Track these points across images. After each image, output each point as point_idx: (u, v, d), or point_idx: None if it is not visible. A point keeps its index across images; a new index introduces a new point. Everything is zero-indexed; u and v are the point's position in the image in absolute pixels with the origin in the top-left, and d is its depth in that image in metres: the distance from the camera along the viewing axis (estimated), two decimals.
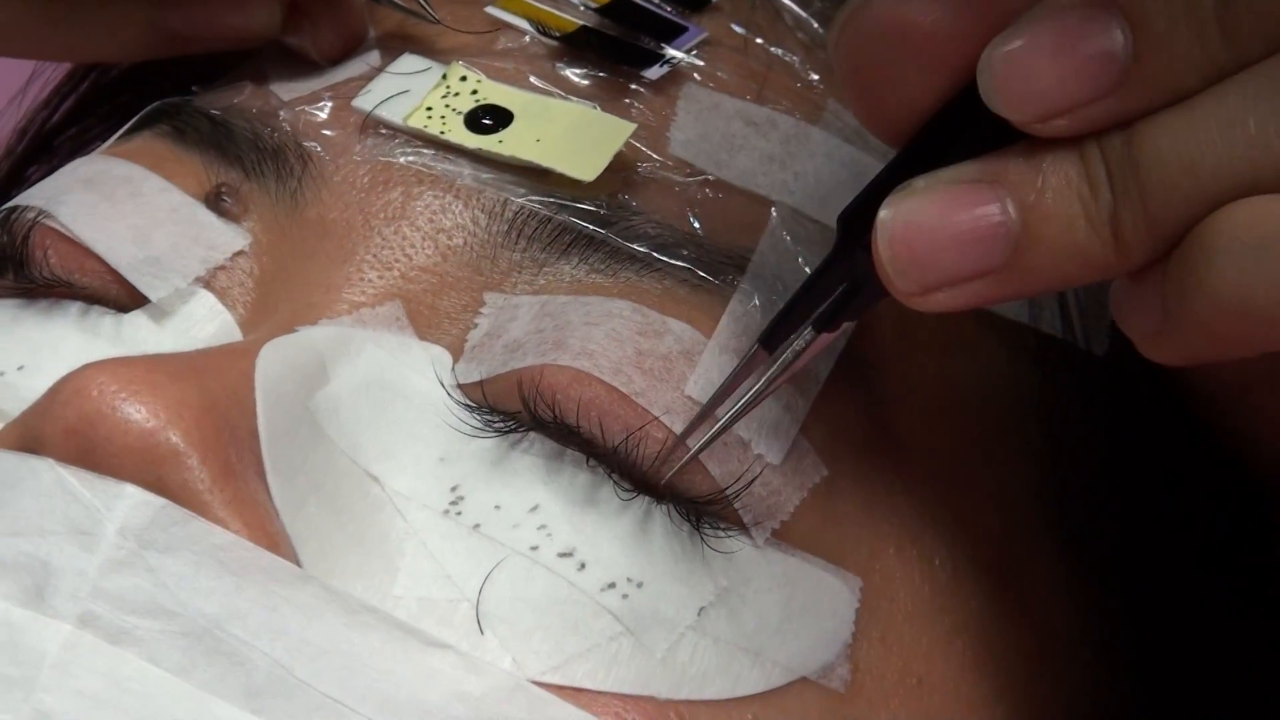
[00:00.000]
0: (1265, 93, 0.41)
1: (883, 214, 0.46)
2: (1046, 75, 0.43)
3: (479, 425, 0.53)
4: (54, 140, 0.79)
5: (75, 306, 0.59)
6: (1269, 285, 0.41)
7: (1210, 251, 0.41)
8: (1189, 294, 0.42)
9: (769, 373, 0.51)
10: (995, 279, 0.45)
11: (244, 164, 0.59)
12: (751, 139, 0.59)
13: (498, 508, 0.51)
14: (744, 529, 0.52)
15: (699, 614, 0.51)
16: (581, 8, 0.62)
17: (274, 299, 0.57)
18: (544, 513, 0.51)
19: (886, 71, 0.46)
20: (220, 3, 0.60)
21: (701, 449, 0.51)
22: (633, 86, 0.59)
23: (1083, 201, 0.43)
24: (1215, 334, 0.42)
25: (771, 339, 0.51)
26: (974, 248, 0.44)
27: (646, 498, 0.52)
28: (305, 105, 0.60)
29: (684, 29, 0.61)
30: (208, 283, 0.58)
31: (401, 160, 0.57)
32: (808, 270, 0.52)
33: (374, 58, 0.61)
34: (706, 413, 0.52)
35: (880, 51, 0.46)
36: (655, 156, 0.57)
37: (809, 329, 0.50)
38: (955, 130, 0.46)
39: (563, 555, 0.51)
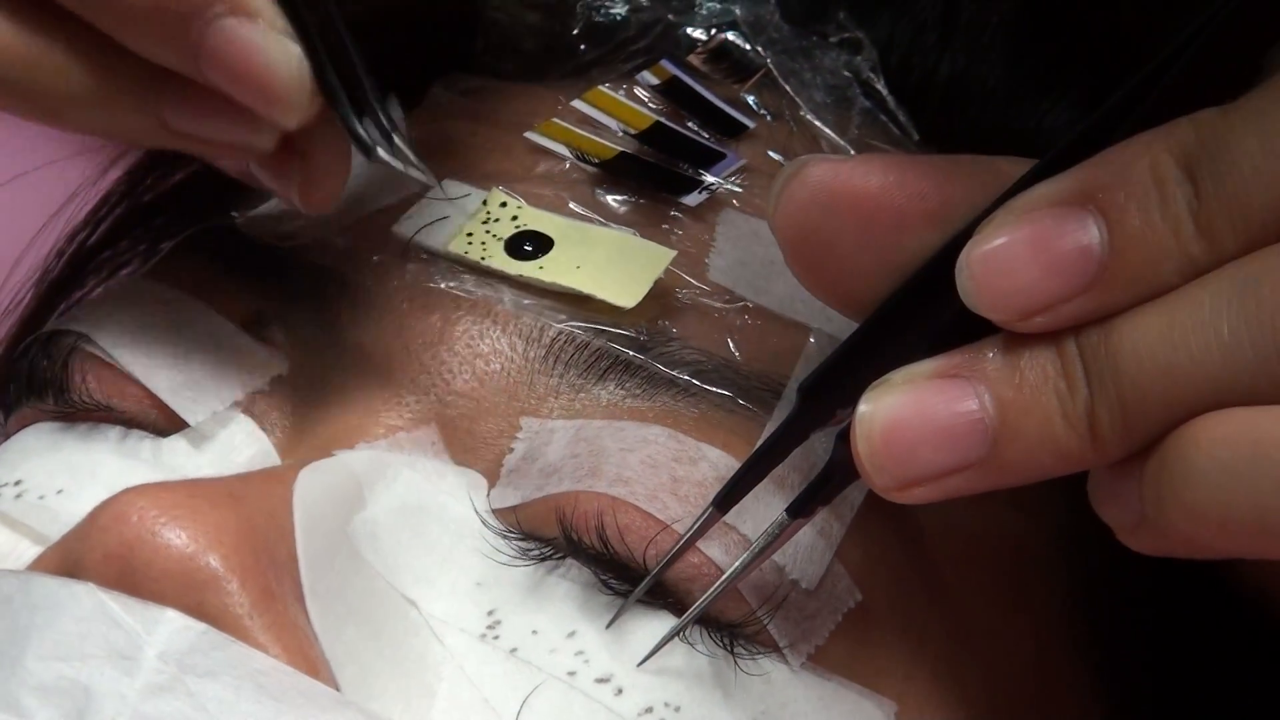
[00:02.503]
0: (1238, 298, 0.41)
1: (862, 409, 0.46)
2: (1025, 274, 0.43)
3: (514, 553, 0.53)
4: (90, 262, 0.80)
5: (114, 430, 0.59)
6: (1246, 504, 0.41)
7: (1187, 467, 0.42)
8: (1167, 504, 0.42)
9: (743, 557, 0.51)
10: (973, 473, 0.45)
11: (283, 289, 0.60)
12: None
13: (535, 632, 0.51)
14: (779, 653, 0.52)
15: None
16: (620, 134, 0.62)
17: (311, 423, 0.57)
18: (581, 639, 0.51)
19: (825, 238, 0.47)
20: (220, 110, 0.56)
21: (674, 632, 0.52)
22: (672, 213, 0.60)
23: (1060, 397, 0.44)
24: (1193, 542, 0.42)
25: (727, 501, 0.52)
26: (952, 444, 0.45)
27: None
28: (346, 231, 0.61)
29: (722, 155, 0.61)
30: (246, 407, 0.58)
31: (442, 286, 0.58)
32: None
33: (414, 183, 0.62)
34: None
35: (817, 218, 0.47)
36: (694, 283, 0.57)
37: (783, 515, 0.51)
38: (921, 309, 0.47)
39: (600, 681, 0.51)
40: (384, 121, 0.55)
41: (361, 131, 0.54)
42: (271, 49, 0.51)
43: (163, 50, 0.51)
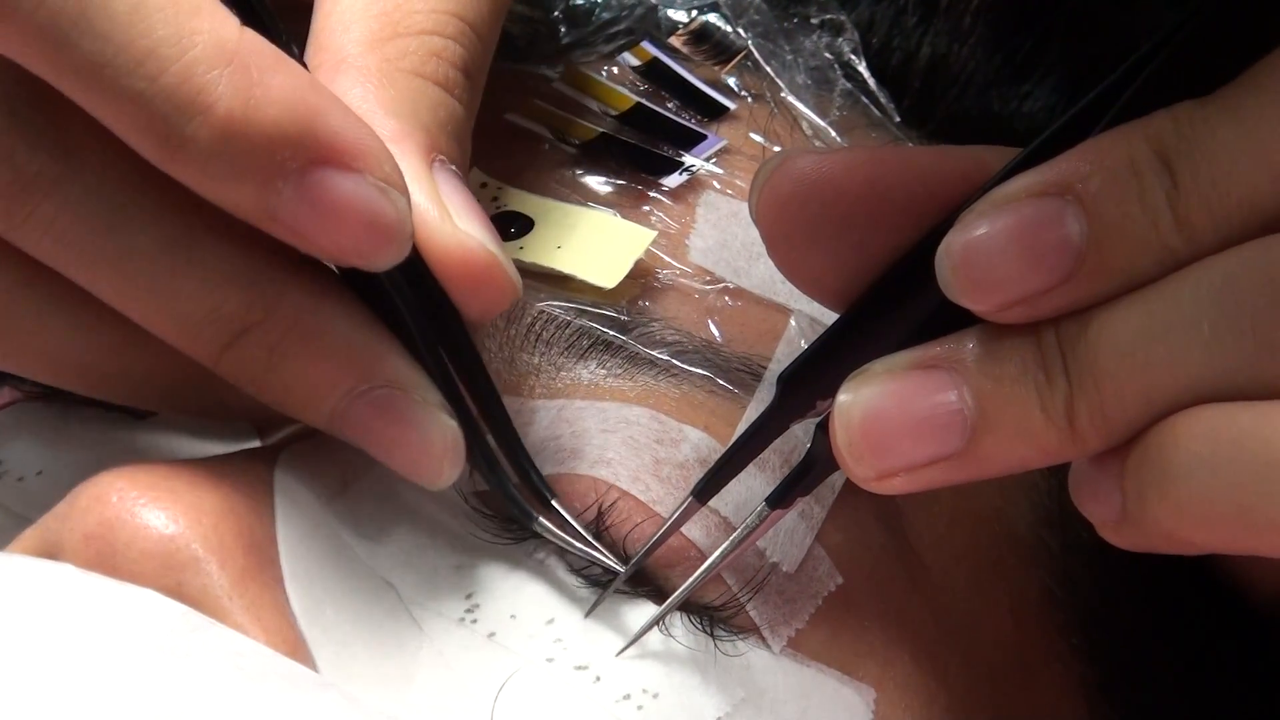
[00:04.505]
0: (1217, 294, 0.42)
1: (841, 399, 0.46)
2: (1004, 264, 0.43)
3: (494, 533, 0.53)
4: None
5: (94, 412, 0.59)
6: (1227, 500, 0.41)
7: (1167, 463, 0.42)
8: (1148, 499, 0.42)
9: (723, 547, 0.51)
10: (951, 464, 0.45)
11: None
12: None
13: (513, 617, 0.51)
14: (759, 637, 0.52)
15: None
16: (601, 115, 0.62)
17: None
18: (560, 625, 0.51)
19: (806, 231, 0.47)
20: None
21: (653, 623, 0.52)
22: (652, 194, 0.60)
23: (1038, 389, 0.44)
24: (1174, 537, 0.43)
25: (707, 491, 0.52)
26: (931, 435, 0.45)
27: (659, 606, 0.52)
28: None
29: (703, 137, 0.61)
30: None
31: None
32: None
33: None
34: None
35: (798, 211, 0.47)
36: (675, 264, 0.57)
37: (763, 505, 0.51)
38: (902, 300, 0.47)
39: (579, 668, 0.51)
40: (544, 489, 0.53)
41: (521, 500, 0.52)
42: (426, 423, 0.50)
43: (302, 414, 0.50)
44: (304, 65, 0.49)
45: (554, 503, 0.52)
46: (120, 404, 0.53)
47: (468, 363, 0.52)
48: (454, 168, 0.51)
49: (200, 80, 0.44)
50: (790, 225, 0.47)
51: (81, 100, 0.45)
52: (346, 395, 0.49)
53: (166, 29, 0.44)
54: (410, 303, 0.50)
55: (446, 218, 0.49)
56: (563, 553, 0.52)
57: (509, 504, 0.52)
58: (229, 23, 0.45)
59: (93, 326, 0.50)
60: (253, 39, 0.45)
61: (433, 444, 0.50)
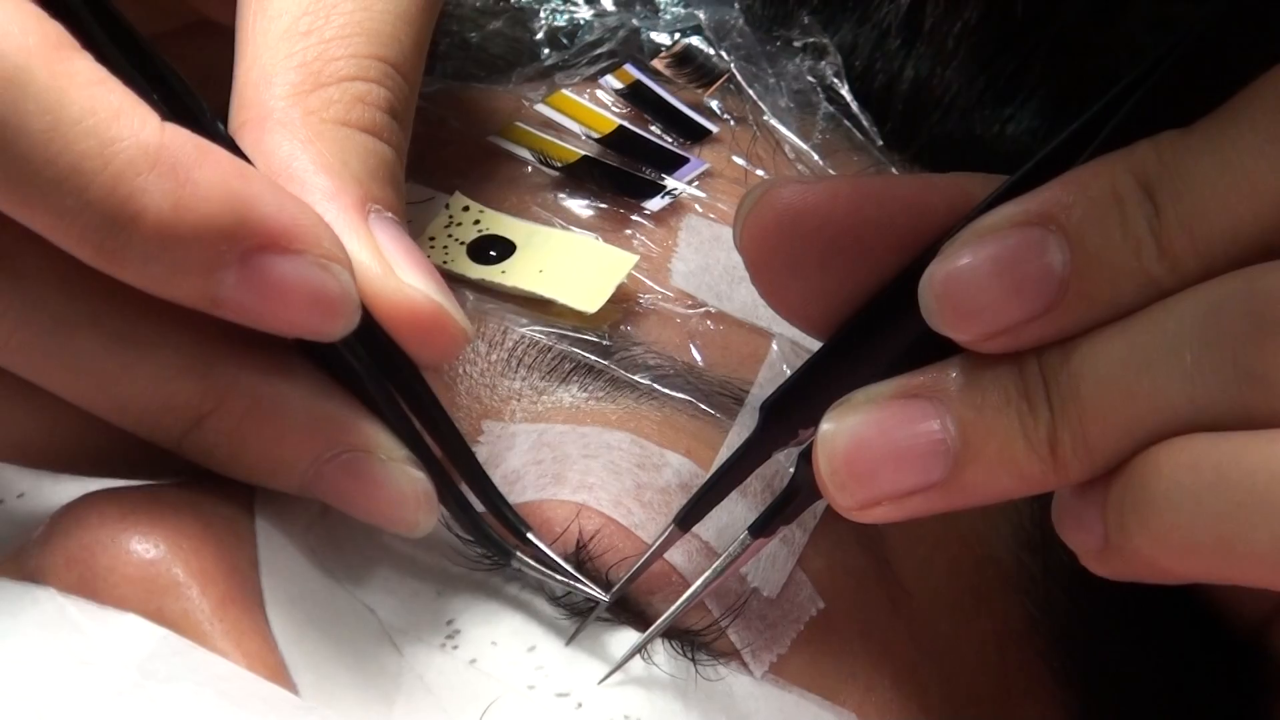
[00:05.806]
0: (1199, 324, 0.42)
1: (824, 428, 0.46)
2: (988, 294, 0.43)
3: (475, 560, 0.53)
4: None
5: None
6: (1209, 530, 0.41)
7: (1150, 492, 0.42)
8: (1130, 529, 0.43)
9: (705, 576, 0.51)
10: (934, 493, 0.45)
11: None
12: None
13: (494, 644, 0.51)
14: (740, 663, 0.52)
15: None
16: (583, 138, 0.62)
17: None
18: (541, 653, 0.51)
19: (790, 260, 0.47)
20: None
21: (635, 650, 0.51)
22: (634, 217, 0.60)
23: (1021, 419, 0.44)
24: (1156, 567, 0.43)
25: (688, 519, 0.52)
26: (914, 464, 0.45)
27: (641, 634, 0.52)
28: None
29: (685, 160, 0.61)
30: None
31: None
32: None
33: None
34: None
35: (782, 241, 0.47)
36: (657, 288, 0.57)
37: (746, 534, 0.51)
38: (885, 329, 0.47)
39: (560, 695, 0.50)
40: (518, 525, 0.53)
41: (498, 540, 0.52)
42: (395, 480, 0.50)
43: (271, 485, 0.51)
44: (230, 141, 0.49)
45: (530, 536, 0.52)
46: (87, 475, 0.52)
47: (429, 410, 0.52)
48: (391, 215, 0.51)
49: (127, 189, 0.44)
50: (774, 255, 0.47)
51: (14, 215, 0.45)
52: (313, 464, 0.49)
53: (87, 142, 0.44)
54: (364, 360, 0.50)
55: (389, 272, 0.49)
56: (543, 582, 0.52)
57: (486, 544, 0.52)
58: (149, 122, 0.45)
59: (51, 412, 0.50)
60: (174, 135, 0.45)
61: (404, 499, 0.50)
